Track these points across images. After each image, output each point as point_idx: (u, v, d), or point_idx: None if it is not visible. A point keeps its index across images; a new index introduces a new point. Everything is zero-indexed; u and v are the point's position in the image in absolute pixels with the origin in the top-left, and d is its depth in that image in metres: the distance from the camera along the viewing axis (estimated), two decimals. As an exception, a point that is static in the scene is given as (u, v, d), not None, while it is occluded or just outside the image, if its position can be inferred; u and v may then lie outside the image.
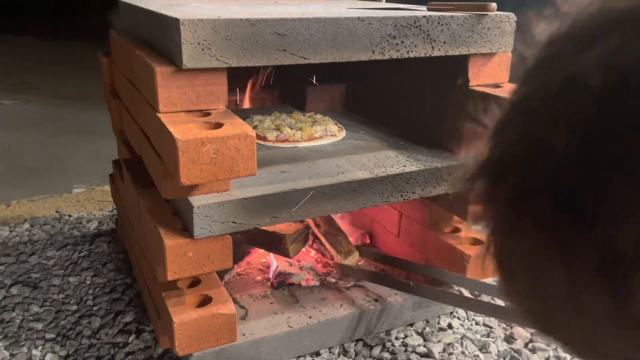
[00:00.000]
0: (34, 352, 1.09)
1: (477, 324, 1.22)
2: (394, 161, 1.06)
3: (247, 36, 0.81)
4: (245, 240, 1.25)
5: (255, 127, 1.20)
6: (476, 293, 1.28)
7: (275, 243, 1.21)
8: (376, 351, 1.12)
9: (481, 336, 1.18)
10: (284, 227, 1.22)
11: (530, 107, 0.33)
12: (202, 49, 0.79)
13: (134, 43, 1.02)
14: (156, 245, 0.88)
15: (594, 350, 0.34)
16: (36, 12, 6.80)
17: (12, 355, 1.08)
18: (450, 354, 1.12)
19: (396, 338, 1.16)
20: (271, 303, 1.17)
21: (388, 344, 1.14)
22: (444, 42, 0.97)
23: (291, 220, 0.97)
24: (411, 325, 1.20)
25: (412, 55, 0.95)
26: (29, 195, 1.89)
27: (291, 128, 1.19)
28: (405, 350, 1.12)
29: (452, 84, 1.09)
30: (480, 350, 1.13)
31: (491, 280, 1.30)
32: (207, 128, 0.79)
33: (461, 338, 1.17)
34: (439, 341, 1.15)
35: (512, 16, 1.02)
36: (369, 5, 1.19)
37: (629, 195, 0.27)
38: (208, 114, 0.83)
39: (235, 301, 1.15)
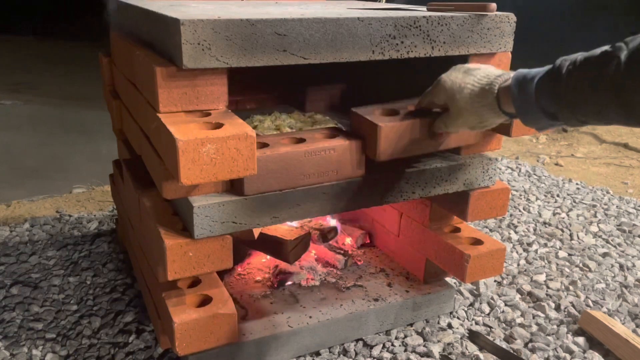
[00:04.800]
0: (34, 352, 1.09)
1: (477, 323, 1.22)
2: (394, 161, 1.06)
3: (247, 36, 0.81)
4: (247, 243, 1.25)
5: (255, 127, 1.20)
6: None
7: (276, 248, 1.21)
8: (376, 351, 1.12)
9: (481, 336, 1.18)
10: (286, 233, 1.22)
11: None
12: (202, 49, 0.79)
13: (134, 43, 1.02)
14: (156, 245, 0.89)
15: None
16: (36, 12, 6.80)
17: (12, 355, 1.08)
18: (450, 353, 1.12)
19: (396, 338, 1.16)
20: (271, 303, 1.17)
21: (388, 344, 1.14)
22: (444, 43, 0.97)
23: (291, 220, 0.97)
24: (411, 325, 1.20)
25: (412, 55, 0.95)
26: (29, 195, 1.89)
27: (291, 128, 1.19)
28: (405, 350, 1.12)
29: (452, 84, 1.09)
30: (480, 350, 1.13)
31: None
32: (207, 128, 0.79)
33: (461, 338, 1.17)
34: (438, 341, 1.15)
35: (512, 16, 1.02)
36: (369, 6, 1.19)
37: None
38: (208, 114, 0.83)
39: (235, 301, 1.15)
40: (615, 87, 0.66)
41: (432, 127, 0.94)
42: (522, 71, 0.79)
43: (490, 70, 0.86)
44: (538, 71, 0.77)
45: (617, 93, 0.67)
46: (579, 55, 0.72)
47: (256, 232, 1.16)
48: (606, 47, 0.69)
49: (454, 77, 0.87)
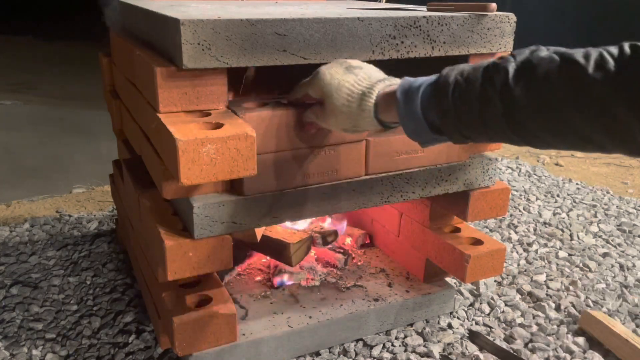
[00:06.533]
0: (34, 352, 1.09)
1: (477, 324, 1.22)
2: (394, 161, 1.06)
3: (247, 36, 0.81)
4: (249, 245, 1.25)
5: (255, 127, 1.20)
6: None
7: (279, 251, 1.21)
8: (376, 351, 1.12)
9: (481, 336, 1.18)
10: (288, 236, 1.22)
11: None
12: (203, 49, 0.79)
13: (134, 43, 1.02)
14: (156, 245, 0.89)
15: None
16: (36, 12, 6.79)
17: (12, 355, 1.08)
18: (450, 353, 1.12)
19: (396, 338, 1.16)
20: (271, 303, 1.17)
21: (388, 344, 1.14)
22: (444, 43, 0.97)
23: (291, 220, 0.97)
24: (411, 325, 1.20)
25: (412, 55, 0.95)
26: (29, 195, 1.89)
27: (291, 128, 1.19)
28: (405, 350, 1.12)
29: (452, 84, 1.09)
30: (480, 350, 1.13)
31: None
32: (207, 128, 0.79)
33: (461, 338, 1.17)
34: (439, 341, 1.15)
35: (512, 16, 1.02)
36: (369, 6, 1.19)
37: None
38: (208, 114, 0.83)
39: (235, 301, 1.16)
40: (502, 100, 0.63)
41: (303, 115, 0.88)
42: (409, 79, 0.74)
43: (372, 72, 0.80)
44: (424, 80, 0.72)
45: (505, 107, 0.63)
46: (467, 67, 0.69)
47: (259, 234, 1.16)
48: (494, 60, 0.66)
49: (334, 71, 0.81)
